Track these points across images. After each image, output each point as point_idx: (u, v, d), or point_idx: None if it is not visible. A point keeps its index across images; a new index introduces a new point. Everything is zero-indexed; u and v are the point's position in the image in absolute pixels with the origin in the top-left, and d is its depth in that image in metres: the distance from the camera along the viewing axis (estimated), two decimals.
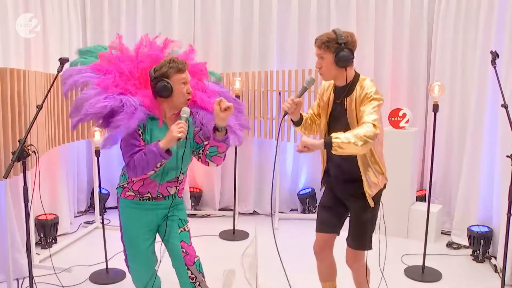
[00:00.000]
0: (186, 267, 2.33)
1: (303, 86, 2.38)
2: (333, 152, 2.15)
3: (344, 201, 2.55)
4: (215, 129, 2.29)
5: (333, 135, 2.16)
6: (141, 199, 2.38)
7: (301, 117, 2.50)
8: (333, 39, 2.29)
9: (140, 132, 2.27)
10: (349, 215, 2.58)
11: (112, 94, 2.30)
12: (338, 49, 2.28)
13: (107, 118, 2.28)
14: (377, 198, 2.45)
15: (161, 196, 2.40)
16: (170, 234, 2.39)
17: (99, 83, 2.35)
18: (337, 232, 2.59)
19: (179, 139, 2.16)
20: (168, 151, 2.20)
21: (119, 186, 2.43)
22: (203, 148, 2.40)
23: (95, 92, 2.31)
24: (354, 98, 2.32)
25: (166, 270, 2.56)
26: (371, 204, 2.41)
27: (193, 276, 2.34)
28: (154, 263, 2.50)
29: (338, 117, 2.41)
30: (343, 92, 2.38)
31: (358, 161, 2.38)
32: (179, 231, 2.40)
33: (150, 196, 2.38)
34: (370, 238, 2.49)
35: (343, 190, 2.50)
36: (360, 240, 2.49)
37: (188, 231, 2.46)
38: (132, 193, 2.38)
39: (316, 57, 2.37)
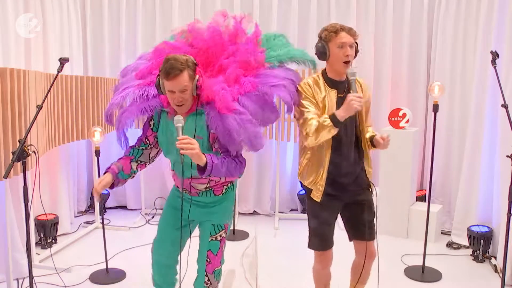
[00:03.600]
0: (205, 273, 2.34)
1: (351, 79, 2.25)
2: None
3: (353, 199, 2.46)
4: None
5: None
6: (177, 189, 2.43)
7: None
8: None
9: (151, 123, 2.31)
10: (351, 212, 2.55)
11: (138, 84, 2.33)
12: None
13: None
14: None
15: (188, 191, 2.33)
16: (201, 239, 2.37)
17: (137, 73, 2.41)
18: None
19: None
20: None
21: None
22: None
23: (130, 79, 2.38)
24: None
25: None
26: (372, 186, 2.47)
27: (208, 282, 2.35)
28: (173, 254, 2.45)
29: None
30: (343, 86, 2.37)
31: (365, 149, 2.44)
32: (209, 240, 2.33)
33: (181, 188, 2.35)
34: None
35: (356, 185, 2.43)
36: (374, 228, 2.48)
37: (221, 240, 2.33)
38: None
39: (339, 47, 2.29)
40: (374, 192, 2.49)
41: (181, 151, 1.96)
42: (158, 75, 2.12)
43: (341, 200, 2.45)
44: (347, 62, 2.29)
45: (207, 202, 2.36)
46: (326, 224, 2.41)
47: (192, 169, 2.20)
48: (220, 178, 2.25)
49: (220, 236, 2.33)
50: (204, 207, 2.36)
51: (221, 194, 2.34)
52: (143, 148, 2.35)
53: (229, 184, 2.36)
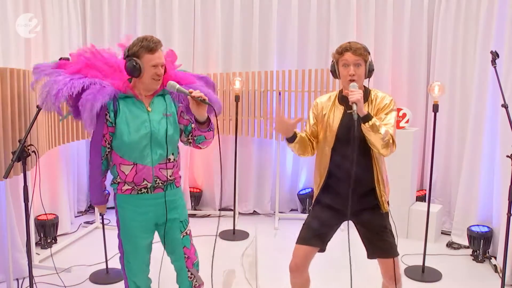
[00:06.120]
0: (187, 269, 2.42)
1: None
2: (364, 126, 2.19)
3: (353, 217, 2.43)
4: (198, 121, 2.31)
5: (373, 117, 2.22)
6: (139, 192, 2.31)
7: (295, 134, 2.38)
8: (365, 48, 2.32)
9: (107, 119, 2.27)
10: (359, 231, 2.50)
11: (80, 76, 2.31)
12: (369, 58, 2.33)
13: (78, 97, 2.27)
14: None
15: (159, 182, 2.31)
16: (173, 241, 2.39)
17: (68, 71, 2.38)
18: (322, 247, 2.48)
19: None
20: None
21: (113, 182, 2.37)
22: (192, 134, 2.40)
23: (64, 77, 2.29)
24: (372, 108, 2.37)
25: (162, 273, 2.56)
26: (386, 208, 2.41)
27: (192, 276, 2.44)
28: (148, 262, 2.49)
29: (350, 128, 2.30)
30: None
31: (375, 169, 2.38)
32: (182, 237, 2.40)
33: (148, 186, 2.31)
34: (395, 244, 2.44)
35: (358, 205, 2.38)
36: (393, 246, 2.42)
37: (189, 233, 2.45)
38: (129, 187, 2.31)
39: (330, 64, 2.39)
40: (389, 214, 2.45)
41: (202, 96, 2.18)
42: (127, 58, 2.21)
43: (334, 208, 2.43)
44: (352, 81, 2.32)
45: (171, 200, 2.37)
46: (310, 221, 2.48)
47: (167, 150, 2.30)
48: (207, 139, 2.37)
49: (188, 229, 2.45)
50: (168, 205, 2.36)
51: (179, 186, 2.45)
52: (107, 154, 2.38)
53: (180, 176, 2.47)
